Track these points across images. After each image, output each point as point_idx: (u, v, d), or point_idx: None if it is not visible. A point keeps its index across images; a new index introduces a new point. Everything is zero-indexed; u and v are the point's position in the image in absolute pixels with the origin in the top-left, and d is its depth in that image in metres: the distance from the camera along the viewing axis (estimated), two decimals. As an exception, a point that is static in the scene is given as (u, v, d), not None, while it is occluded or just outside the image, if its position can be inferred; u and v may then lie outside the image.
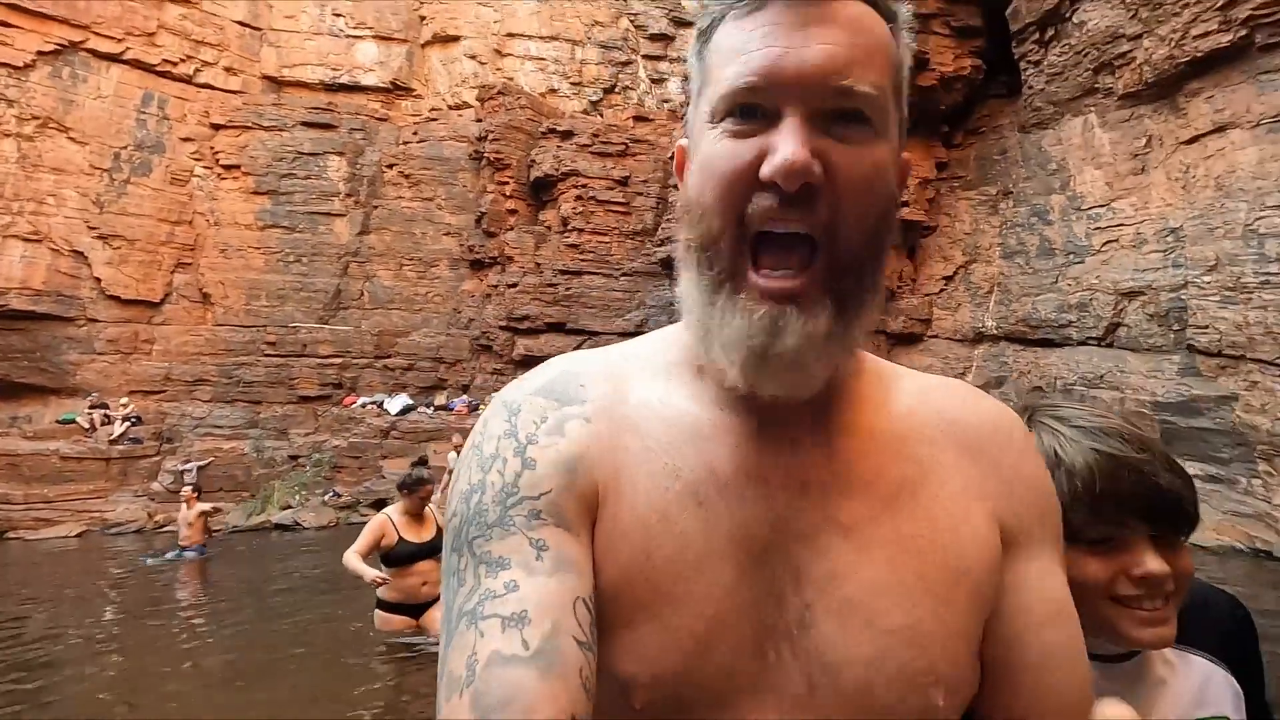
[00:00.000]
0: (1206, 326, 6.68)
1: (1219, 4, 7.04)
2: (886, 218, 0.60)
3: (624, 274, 16.03)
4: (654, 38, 20.23)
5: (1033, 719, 0.62)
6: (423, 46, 19.79)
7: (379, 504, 12.61)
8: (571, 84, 19.93)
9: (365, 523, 11.87)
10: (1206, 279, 6.84)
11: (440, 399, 15.94)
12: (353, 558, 4.74)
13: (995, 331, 9.25)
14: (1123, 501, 0.85)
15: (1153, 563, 0.84)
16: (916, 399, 0.69)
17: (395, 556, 4.87)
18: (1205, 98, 7.41)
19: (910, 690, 0.57)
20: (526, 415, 0.64)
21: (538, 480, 0.60)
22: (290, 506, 12.59)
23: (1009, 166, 9.66)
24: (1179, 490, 0.86)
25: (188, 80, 17.34)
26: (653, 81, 20.33)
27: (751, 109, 0.57)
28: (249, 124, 17.70)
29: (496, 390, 15.67)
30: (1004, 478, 0.66)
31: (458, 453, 10.26)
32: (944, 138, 10.40)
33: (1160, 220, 7.68)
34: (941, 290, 9.96)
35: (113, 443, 14.50)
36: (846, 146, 0.56)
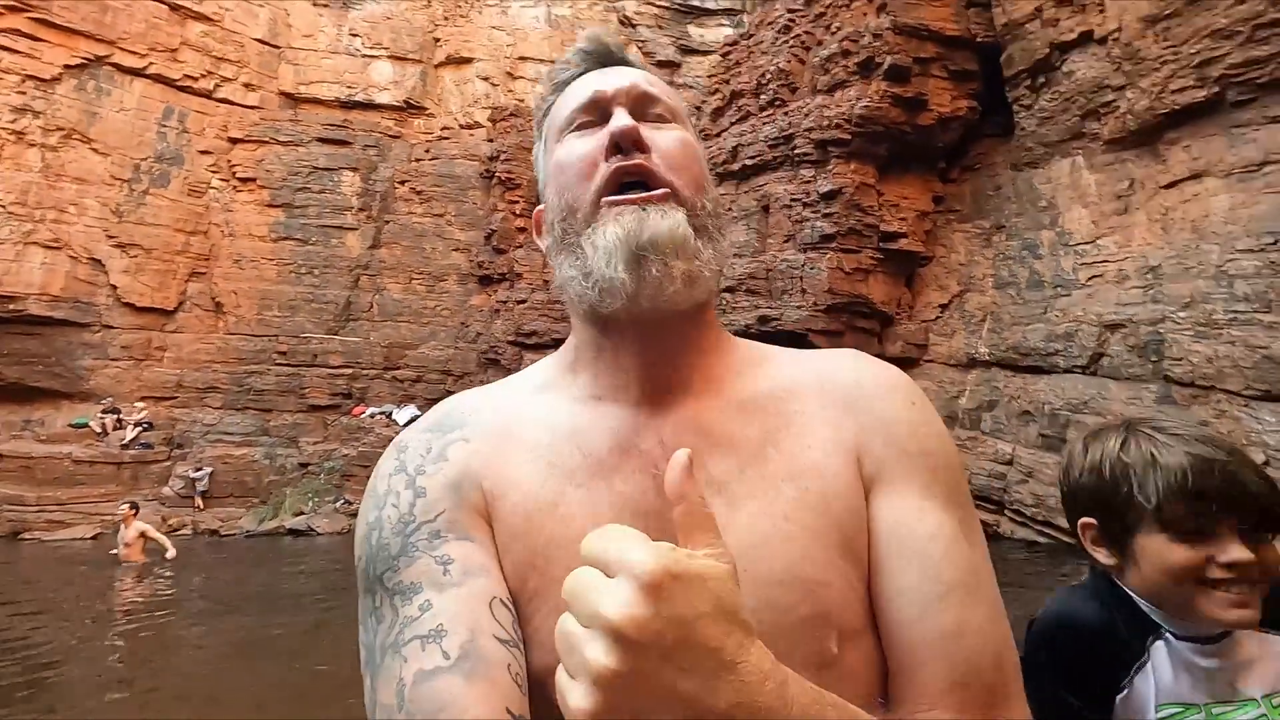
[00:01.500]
0: (1181, 359, 7.22)
1: (1195, 62, 7.64)
2: (706, 180, 0.72)
3: (629, 293, 16.52)
4: (661, 64, 20.87)
5: (905, 671, 0.59)
6: (436, 67, 20.38)
7: (389, 512, 12.97)
8: (580, 107, 20.55)
9: (377, 530, 12.32)
10: (1182, 314, 7.39)
11: (448, 410, 16.32)
12: None
13: (987, 358, 9.77)
14: (1212, 497, 0.95)
15: (1238, 551, 0.94)
16: (789, 366, 0.74)
17: None
18: (1183, 146, 7.99)
19: (802, 636, 0.57)
20: (413, 450, 0.68)
21: (430, 505, 0.63)
22: (303, 513, 12.90)
23: (1002, 202, 10.24)
24: (1263, 490, 0.96)
25: (208, 95, 17.83)
26: (659, 106, 20.99)
27: (587, 122, 0.71)
28: (266, 138, 18.19)
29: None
30: (869, 423, 0.67)
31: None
32: (940, 173, 10.97)
33: (1141, 258, 8.24)
34: (937, 317, 10.49)
35: (124, 447, 14.80)
36: (659, 131, 0.71)
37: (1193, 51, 7.68)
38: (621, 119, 0.67)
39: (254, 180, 17.94)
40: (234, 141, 18.01)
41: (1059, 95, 9.41)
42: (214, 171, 17.72)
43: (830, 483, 0.64)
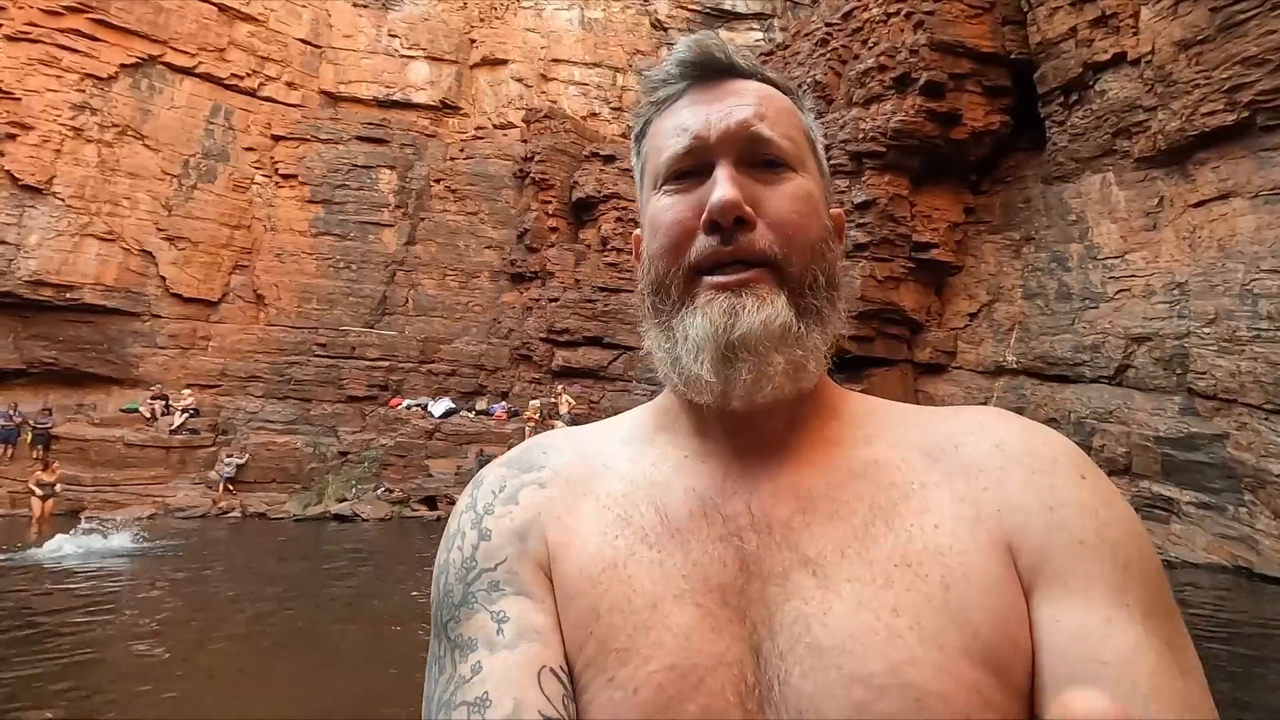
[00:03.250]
0: (1205, 372, 7.56)
1: (1225, 87, 7.95)
2: (823, 242, 0.61)
3: (659, 293, 16.94)
4: (691, 68, 21.25)
5: None
6: (471, 68, 20.86)
7: (429, 500, 13.52)
8: (612, 109, 20.97)
9: (418, 517, 12.78)
10: (1206, 330, 7.73)
11: (481, 404, 16.84)
12: None
13: (1015, 366, 10.13)
14: None
15: None
16: (911, 426, 0.62)
17: None
18: (1211, 167, 8.31)
19: None
20: (486, 487, 0.65)
21: (493, 551, 0.60)
22: (345, 499, 13.46)
23: (1032, 215, 10.57)
24: None
25: (252, 93, 18.42)
26: (688, 109, 21.37)
27: (686, 172, 0.61)
28: (307, 136, 18.75)
29: (535, 398, 16.35)
30: (1024, 502, 0.54)
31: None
32: (972, 185, 11.31)
33: (1168, 274, 8.57)
34: (966, 326, 10.84)
35: (173, 432, 15.43)
36: (770, 187, 0.60)
37: (1224, 77, 7.99)
38: (722, 188, 0.58)
39: (295, 177, 18.51)
40: (276, 139, 18.58)
41: (1091, 113, 9.73)
42: (257, 168, 18.31)
43: (962, 574, 0.52)
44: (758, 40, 20.87)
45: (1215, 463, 7.17)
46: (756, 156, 0.61)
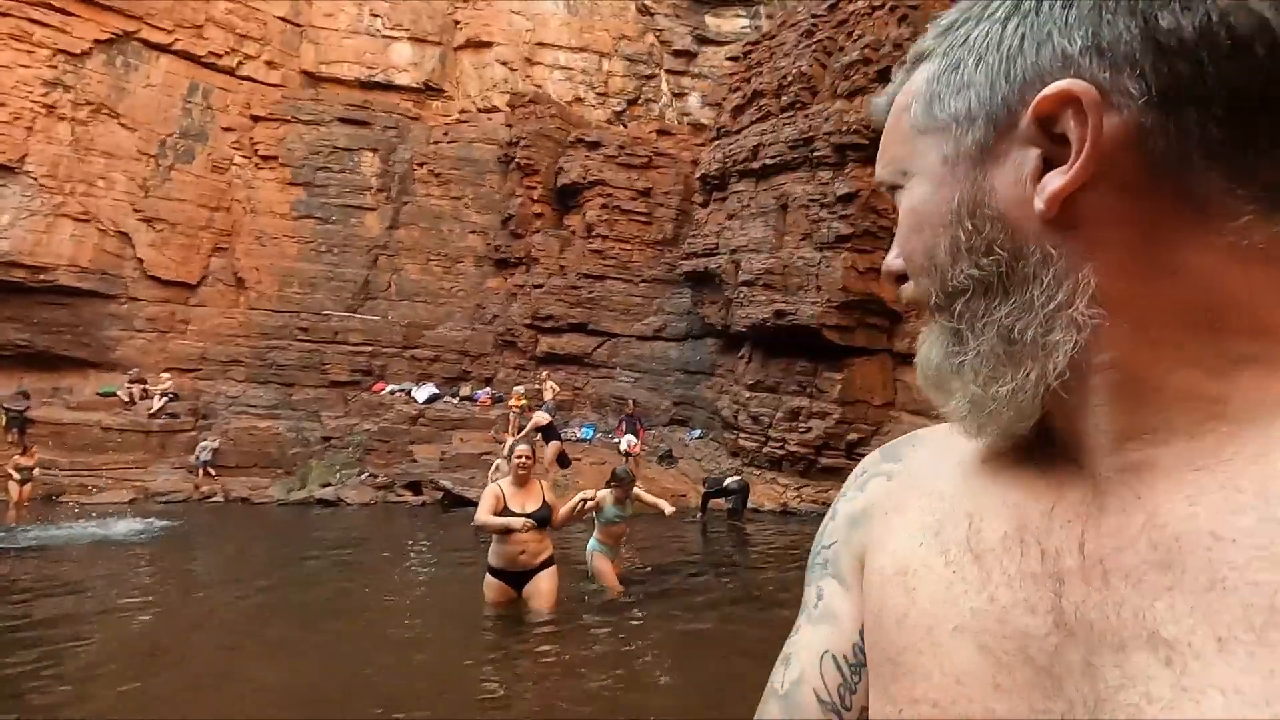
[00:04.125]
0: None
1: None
2: (939, 238, 0.46)
3: (644, 280, 17.04)
4: (678, 54, 21.20)
5: None
6: (455, 50, 20.62)
7: (413, 485, 13.58)
8: (597, 94, 20.88)
9: (403, 502, 12.84)
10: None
11: (465, 390, 16.88)
12: (491, 518, 5.16)
13: (990, 356, 10.41)
14: None
15: None
16: None
17: None
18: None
19: None
20: (856, 469, 0.65)
21: (832, 531, 0.61)
22: (330, 484, 13.48)
23: (1009, 209, 10.82)
24: None
25: (231, 72, 18.08)
26: (674, 95, 21.32)
27: None
28: (287, 117, 18.47)
29: (518, 384, 16.48)
30: None
31: (502, 444, 11.06)
32: (952, 179, 11.52)
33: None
34: (944, 317, 11.10)
35: (152, 416, 15.30)
36: (900, 203, 0.52)
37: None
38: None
39: (275, 158, 18.25)
40: (256, 119, 18.28)
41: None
42: (236, 149, 18.02)
43: None
44: (743, 27, 20.85)
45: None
46: (893, 183, 0.54)
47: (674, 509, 6.60)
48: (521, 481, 5.32)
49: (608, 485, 6.06)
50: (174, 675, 4.46)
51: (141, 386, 15.74)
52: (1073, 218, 0.40)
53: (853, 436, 11.58)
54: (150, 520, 10.69)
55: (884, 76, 10.85)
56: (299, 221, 18.22)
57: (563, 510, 5.52)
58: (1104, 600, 0.40)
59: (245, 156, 18.12)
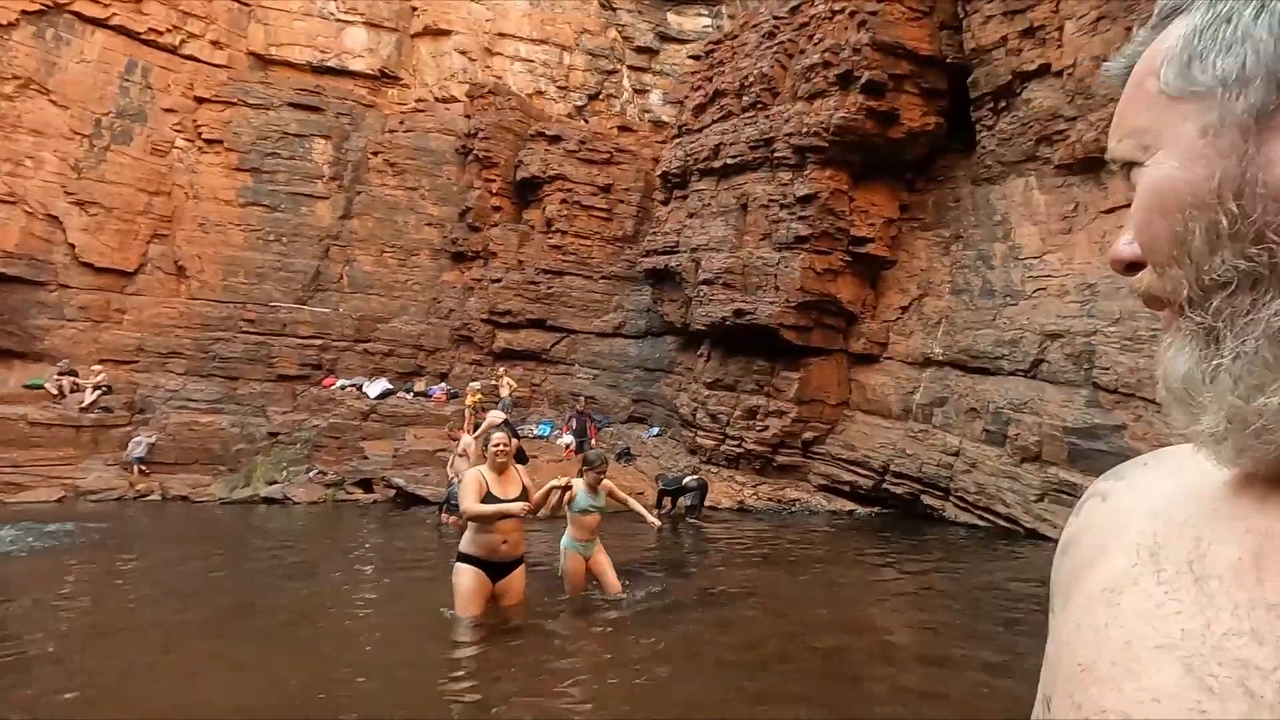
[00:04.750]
0: (1108, 368, 8.20)
1: (1137, 103, 8.55)
2: (1193, 224, 0.39)
3: (603, 277, 16.96)
4: (639, 50, 21.14)
5: None
6: (413, 37, 20.12)
7: (364, 483, 13.23)
8: (558, 87, 20.65)
9: (353, 501, 12.52)
10: (1111, 329, 8.36)
11: (419, 385, 16.52)
12: (484, 506, 4.97)
13: (941, 358, 10.68)
14: None
15: None
16: None
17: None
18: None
19: None
20: (1087, 492, 0.58)
21: (1056, 559, 0.56)
22: (276, 482, 13.03)
23: (961, 214, 11.10)
24: None
25: (173, 51, 17.25)
26: (636, 92, 21.26)
27: None
28: (234, 100, 17.75)
29: (475, 380, 16.33)
30: None
31: (456, 442, 10.90)
32: (907, 183, 11.77)
33: (1080, 276, 9.20)
34: (898, 318, 11.33)
35: (83, 410, 14.53)
36: (1135, 187, 0.42)
37: (1136, 93, 8.57)
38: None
39: (221, 142, 17.52)
40: (200, 101, 17.51)
41: (1017, 120, 10.26)
42: (178, 131, 17.23)
43: None
44: (706, 26, 20.91)
45: (1114, 451, 7.81)
46: (1127, 163, 0.45)
47: (658, 523, 6.41)
48: (501, 469, 5.20)
49: (580, 473, 5.94)
50: (97, 694, 4.22)
51: (72, 379, 14.92)
52: None
53: (808, 435, 11.75)
54: (73, 524, 10.09)
55: (843, 80, 11.01)
56: (246, 209, 17.54)
57: (535, 495, 5.42)
58: None
59: (188, 139, 17.34)
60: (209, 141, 17.42)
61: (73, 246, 15.67)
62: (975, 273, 10.72)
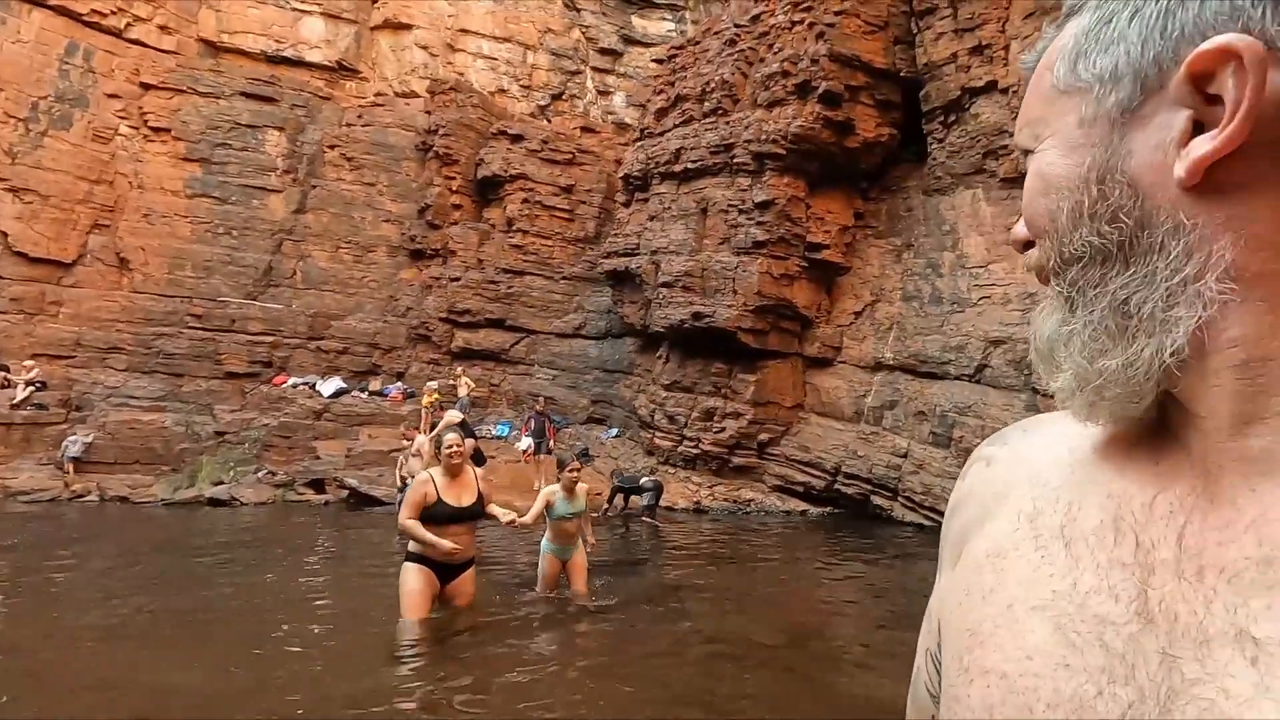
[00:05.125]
0: (1048, 374, 8.60)
1: (1076, 121, 8.98)
2: (1061, 207, 0.44)
3: (564, 277, 16.94)
4: (603, 51, 21.17)
5: None
6: (372, 29, 19.77)
7: (316, 483, 12.93)
8: (521, 86, 20.54)
9: (304, 501, 12.25)
10: (1051, 337, 8.77)
11: (375, 384, 16.23)
12: (415, 526, 4.81)
13: (891, 362, 11.00)
14: None
15: None
16: None
17: (430, 516, 4.88)
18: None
19: None
20: (972, 457, 0.61)
21: (944, 525, 0.59)
22: (222, 482, 12.65)
23: (913, 223, 11.46)
24: None
25: (117, 34, 16.61)
26: (599, 93, 21.28)
27: None
28: (183, 87, 17.18)
29: (432, 379, 16.14)
30: None
31: (409, 441, 10.74)
32: (862, 192, 12.09)
33: (1022, 285, 9.60)
34: (851, 323, 11.63)
35: (14, 407, 13.86)
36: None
37: (1075, 112, 9.00)
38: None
39: (168, 131, 16.93)
40: (146, 87, 16.89)
41: (966, 133, 10.64)
42: (123, 117, 16.58)
43: None
44: (669, 30, 21.08)
45: (1051, 453, 8.19)
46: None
47: (593, 541, 6.29)
48: (454, 472, 5.02)
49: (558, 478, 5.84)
50: (19, 692, 4.06)
51: (3, 374, 14.22)
52: (1216, 186, 0.37)
53: (764, 436, 11.96)
54: None
55: (801, 90, 11.25)
56: (194, 200, 16.98)
57: (527, 516, 5.44)
58: (1194, 594, 0.39)
59: (133, 127, 16.70)
60: (155, 130, 16.82)
61: (5, 235, 14.95)
62: (925, 280, 11.07)
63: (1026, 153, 0.47)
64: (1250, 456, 0.40)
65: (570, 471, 5.76)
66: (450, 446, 5.01)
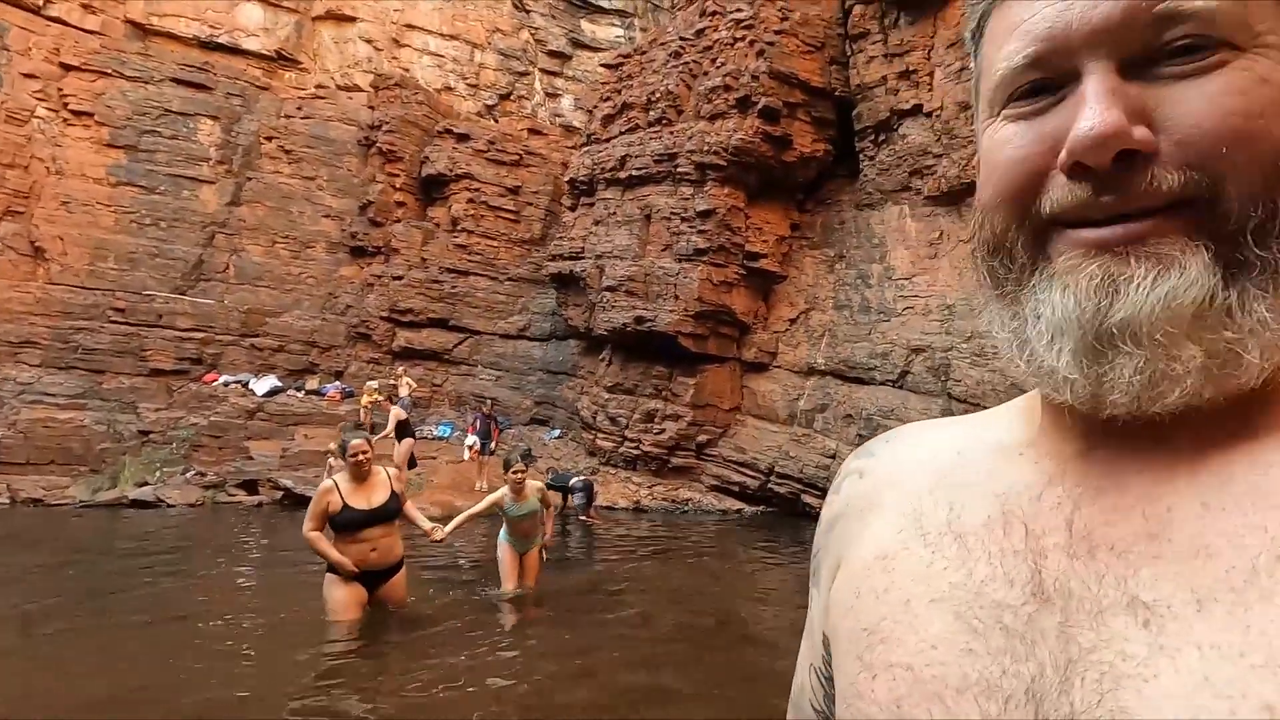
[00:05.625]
0: (960, 380, 9.25)
1: (991, 146, 9.68)
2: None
3: (509, 279, 16.97)
4: (552, 54, 21.28)
5: None
6: (314, 20, 19.31)
7: (248, 485, 12.62)
8: (468, 85, 20.44)
9: (235, 503, 11.97)
10: (964, 345, 9.43)
11: (312, 383, 15.89)
12: (318, 539, 4.70)
13: (823, 368, 11.56)
14: None
15: None
16: None
17: (340, 523, 4.74)
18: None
19: None
20: (841, 471, 0.62)
21: (817, 539, 0.60)
22: (148, 483, 12.20)
23: (845, 236, 12.05)
24: None
25: (35, 10, 15.77)
26: (548, 95, 21.36)
27: (1037, 86, 0.41)
28: (108, 70, 16.41)
29: (372, 379, 15.96)
30: None
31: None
32: (798, 204, 12.63)
33: (941, 297, 10.28)
34: (786, 330, 12.14)
35: (-87, 404, 13.02)
36: (1185, 84, 0.38)
37: (990, 137, 9.70)
38: (1092, 111, 0.38)
39: (90, 115, 16.14)
40: (67, 68, 16.06)
41: (894, 152, 11.28)
42: (40, 99, 15.73)
43: None
44: (618, 36, 21.36)
45: (963, 455, 8.83)
46: (1160, 46, 0.38)
47: (549, 539, 6.30)
48: (361, 476, 4.83)
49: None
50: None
51: (-101, 368, 13.31)
52: None
53: (702, 438, 12.34)
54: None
55: (742, 104, 11.69)
56: (118, 189, 16.24)
57: (459, 518, 5.41)
58: (1086, 571, 0.41)
59: (51, 109, 15.86)
60: (76, 113, 16.02)
61: (-96, 220, 13.99)
62: (856, 290, 11.67)
63: (1204, 43, 0.38)
64: (1138, 447, 0.42)
65: (514, 474, 5.75)
66: (354, 451, 4.78)
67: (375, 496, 4.82)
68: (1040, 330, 0.41)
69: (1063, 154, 0.39)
